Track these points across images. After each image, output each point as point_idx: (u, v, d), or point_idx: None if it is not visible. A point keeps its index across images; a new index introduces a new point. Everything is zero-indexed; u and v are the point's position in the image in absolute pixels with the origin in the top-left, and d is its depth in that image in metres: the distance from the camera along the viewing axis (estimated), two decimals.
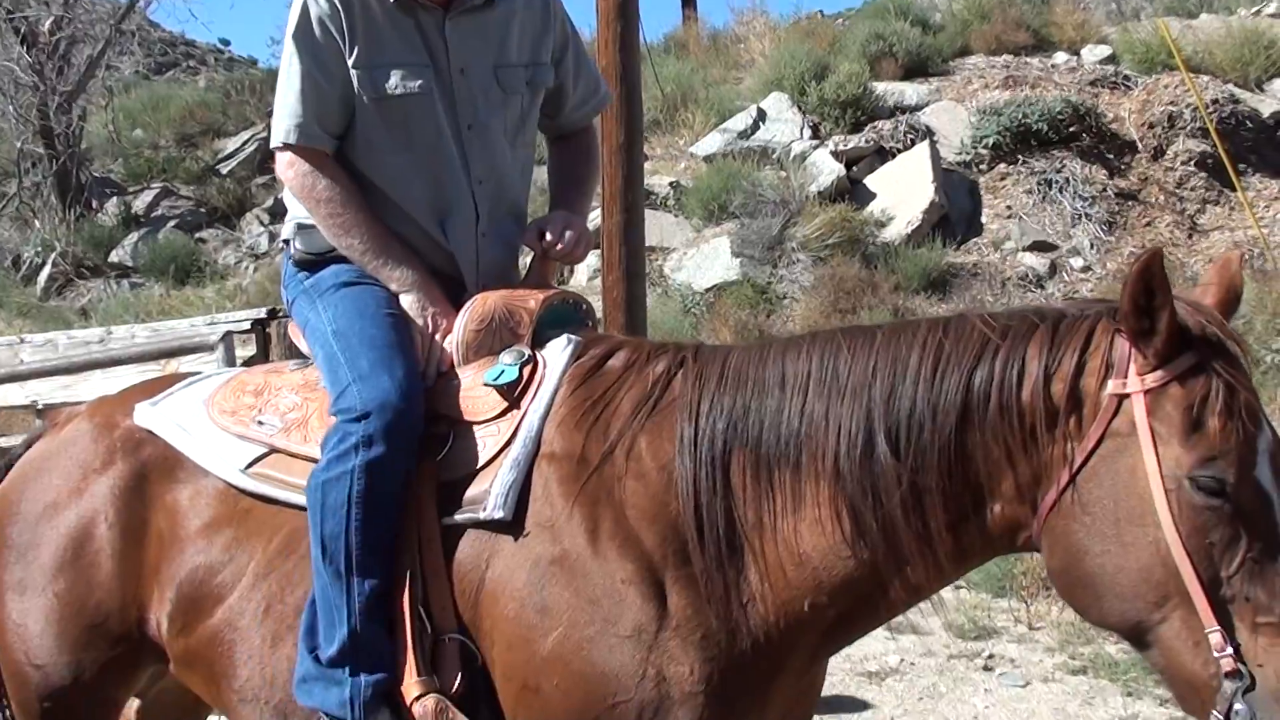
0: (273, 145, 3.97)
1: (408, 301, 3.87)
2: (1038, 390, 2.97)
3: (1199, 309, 2.92)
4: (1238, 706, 2.73)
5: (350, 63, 3.89)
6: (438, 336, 3.82)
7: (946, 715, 7.53)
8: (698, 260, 15.46)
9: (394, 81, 3.91)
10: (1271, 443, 2.84)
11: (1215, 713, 2.77)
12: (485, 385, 3.63)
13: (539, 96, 4.22)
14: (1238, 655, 2.75)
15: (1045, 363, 2.97)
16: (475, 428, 3.60)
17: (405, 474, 3.57)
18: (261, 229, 19.78)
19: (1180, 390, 2.83)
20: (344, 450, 3.54)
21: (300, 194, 3.93)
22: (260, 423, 3.95)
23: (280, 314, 7.10)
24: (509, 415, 3.57)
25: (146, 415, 4.15)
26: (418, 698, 3.42)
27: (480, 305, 3.79)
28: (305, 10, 3.88)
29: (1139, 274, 2.79)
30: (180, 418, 4.10)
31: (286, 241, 4.18)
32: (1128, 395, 2.87)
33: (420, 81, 3.94)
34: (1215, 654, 2.76)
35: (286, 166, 3.94)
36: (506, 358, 3.65)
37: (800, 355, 3.26)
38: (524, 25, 4.14)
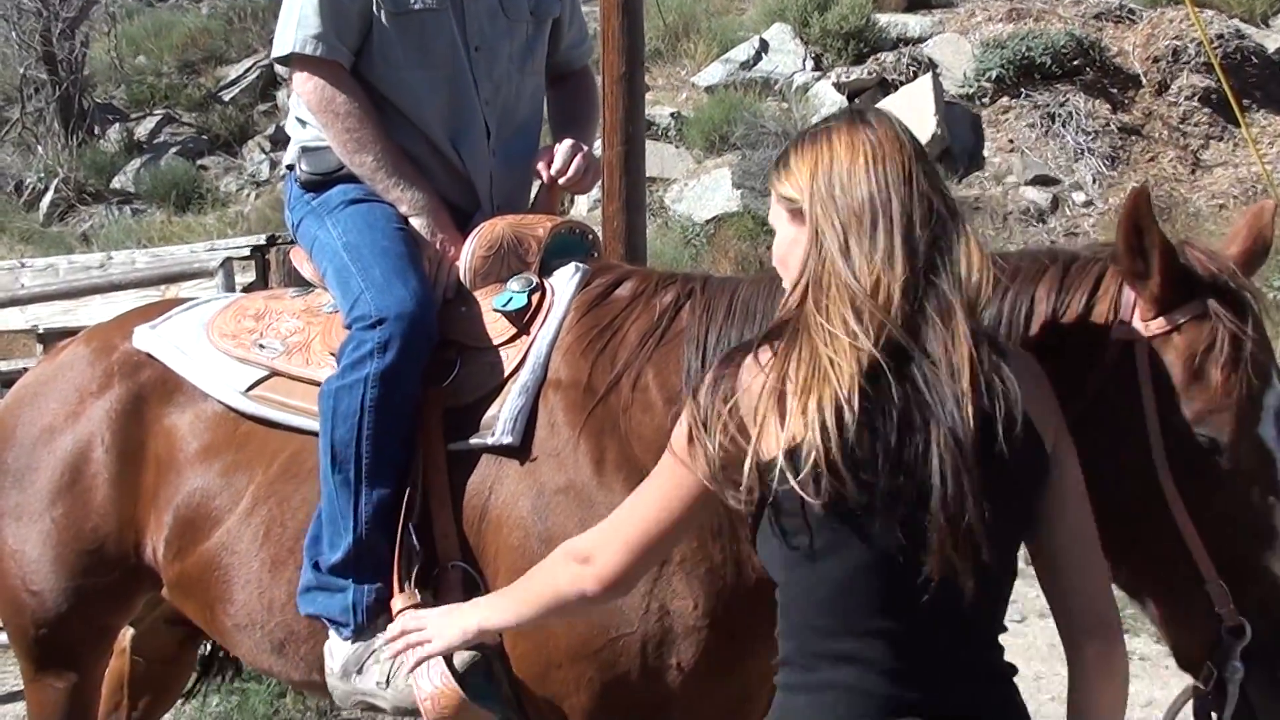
0: (284, 53, 3.98)
1: (417, 224, 3.90)
2: (1046, 331, 2.91)
3: (1212, 256, 2.82)
4: (1235, 663, 2.68)
5: None
6: (445, 260, 3.83)
7: None
8: (698, 191, 15.42)
9: None
10: None
11: (1210, 665, 2.72)
12: (494, 311, 3.65)
13: (545, 26, 4.26)
14: (1239, 610, 2.69)
15: (1054, 304, 2.91)
16: (483, 353, 3.62)
17: (417, 385, 3.60)
18: (263, 156, 19.71)
19: (1182, 339, 2.75)
20: (359, 358, 3.58)
21: (318, 108, 3.95)
22: (261, 346, 3.97)
23: (280, 240, 7.12)
24: (518, 341, 3.59)
25: (145, 338, 4.16)
26: (399, 611, 3.45)
27: (489, 231, 3.81)
28: None
29: (1126, 214, 2.74)
30: (180, 341, 4.11)
31: (290, 167, 4.20)
32: (1131, 342, 2.80)
33: None
34: (1217, 608, 2.70)
35: (305, 80, 3.97)
36: (514, 284, 3.68)
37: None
38: None
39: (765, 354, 2.59)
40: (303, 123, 4.14)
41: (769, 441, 2.49)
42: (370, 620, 3.58)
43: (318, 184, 4.07)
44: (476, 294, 3.76)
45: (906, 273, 2.50)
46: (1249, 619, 2.69)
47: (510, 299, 3.63)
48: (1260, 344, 2.75)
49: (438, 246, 3.86)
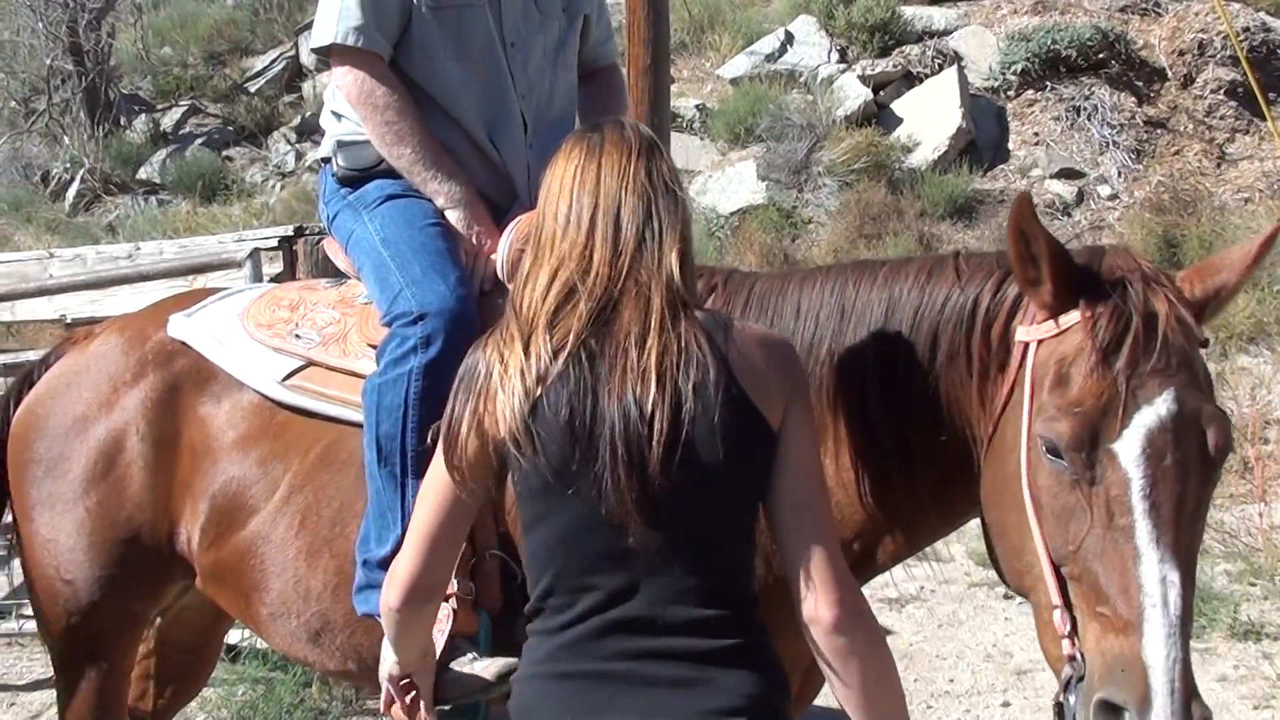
0: (324, 43, 3.98)
1: (454, 217, 3.91)
2: (980, 332, 2.99)
3: (1124, 257, 2.83)
4: (1070, 698, 2.62)
5: None
6: (482, 254, 3.86)
7: (966, 643, 7.61)
8: (723, 183, 15.45)
9: None
10: (1162, 420, 2.63)
11: (1059, 693, 2.66)
12: None
13: (577, 23, 4.28)
14: (1077, 639, 2.64)
15: (988, 305, 2.99)
16: None
17: None
18: (288, 148, 19.75)
19: (1061, 343, 2.77)
20: (402, 354, 3.60)
21: (357, 100, 3.95)
22: (297, 336, 3.99)
23: (308, 231, 7.14)
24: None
25: (180, 326, 4.18)
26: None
27: (524, 224, 3.82)
28: None
29: (1012, 222, 2.77)
30: (215, 330, 4.13)
31: (326, 160, 4.21)
32: (1029, 342, 2.84)
33: None
34: (1060, 634, 2.66)
35: (345, 72, 3.95)
36: None
37: (815, 286, 3.30)
38: None
39: (489, 344, 2.84)
40: (338, 116, 4.14)
41: (491, 422, 2.75)
42: None
43: (354, 179, 4.09)
44: (514, 284, 3.78)
45: (599, 266, 2.74)
46: (1084, 649, 2.63)
47: None
48: (1153, 356, 2.67)
49: (474, 240, 3.88)
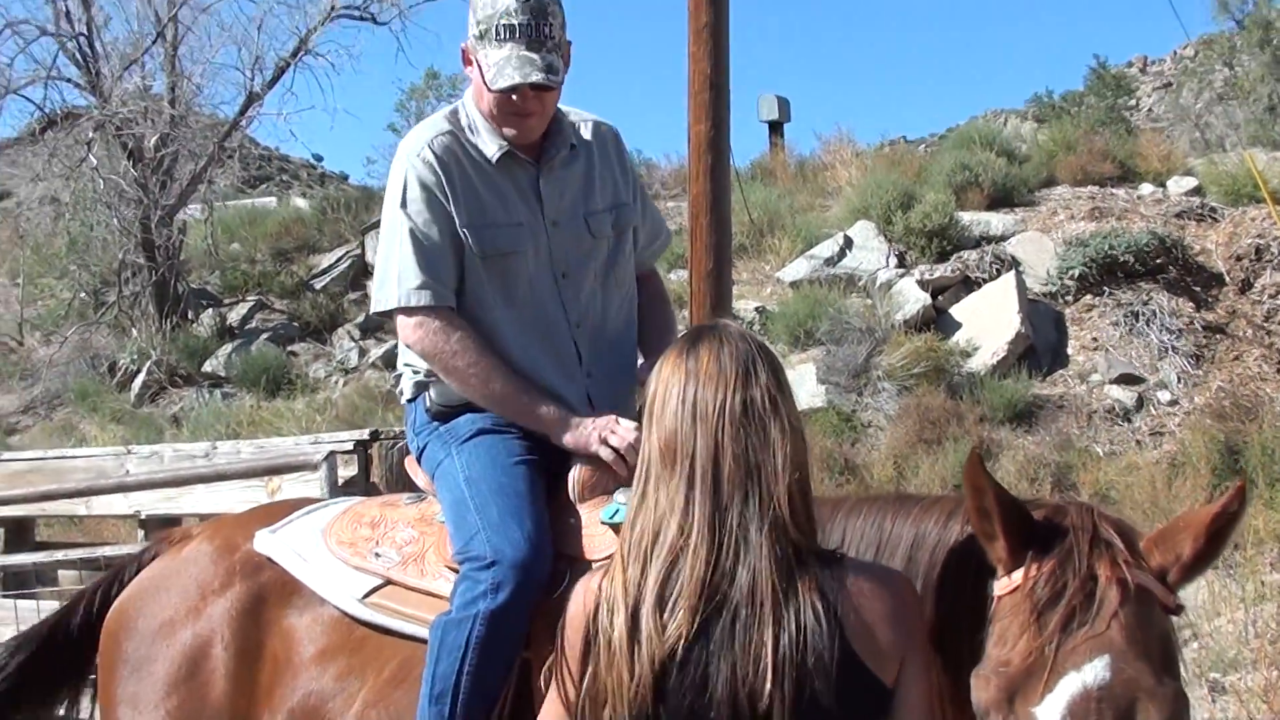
0: (387, 308, 4.04)
1: (569, 439, 3.92)
2: (972, 577, 2.96)
3: (1082, 514, 2.80)
4: None
5: (461, 223, 4.01)
6: (615, 440, 3.84)
7: None
8: None
9: (498, 239, 4.04)
10: (1087, 688, 2.57)
11: None
12: (601, 524, 3.71)
13: (626, 236, 4.33)
14: None
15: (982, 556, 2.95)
16: (591, 565, 3.62)
17: (525, 623, 3.65)
18: (352, 344, 20.04)
19: (1011, 599, 2.74)
20: (471, 597, 3.63)
21: (431, 354, 4.01)
22: (377, 555, 4.04)
23: (383, 435, 7.20)
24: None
25: (266, 542, 4.24)
26: None
27: (588, 472, 3.88)
28: (407, 180, 4.03)
29: (965, 478, 2.77)
30: (298, 546, 4.19)
31: (412, 401, 4.25)
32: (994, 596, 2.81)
33: (520, 238, 4.06)
34: None
35: (414, 329, 4.01)
36: (620, 497, 3.71)
37: (859, 517, 3.28)
38: (603, 169, 4.28)
39: (595, 580, 2.86)
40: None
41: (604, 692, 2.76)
42: None
43: (446, 414, 4.13)
44: (585, 505, 3.83)
45: (703, 529, 2.72)
46: None
47: (617, 510, 3.68)
48: (1088, 621, 2.62)
49: (597, 436, 3.87)
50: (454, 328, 3.98)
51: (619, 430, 3.82)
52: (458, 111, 4.18)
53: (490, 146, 4.07)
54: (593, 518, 3.77)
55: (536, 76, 3.90)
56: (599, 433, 3.85)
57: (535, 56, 3.92)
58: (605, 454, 3.82)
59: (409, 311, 4.00)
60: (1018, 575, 2.74)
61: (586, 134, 4.29)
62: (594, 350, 4.18)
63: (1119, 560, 2.68)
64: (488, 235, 4.03)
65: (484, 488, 3.84)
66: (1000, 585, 2.79)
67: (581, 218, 4.19)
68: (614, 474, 3.82)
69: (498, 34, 3.93)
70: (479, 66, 3.99)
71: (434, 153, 4.03)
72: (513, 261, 4.06)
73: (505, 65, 3.92)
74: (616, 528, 3.61)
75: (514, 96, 3.95)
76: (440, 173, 4.01)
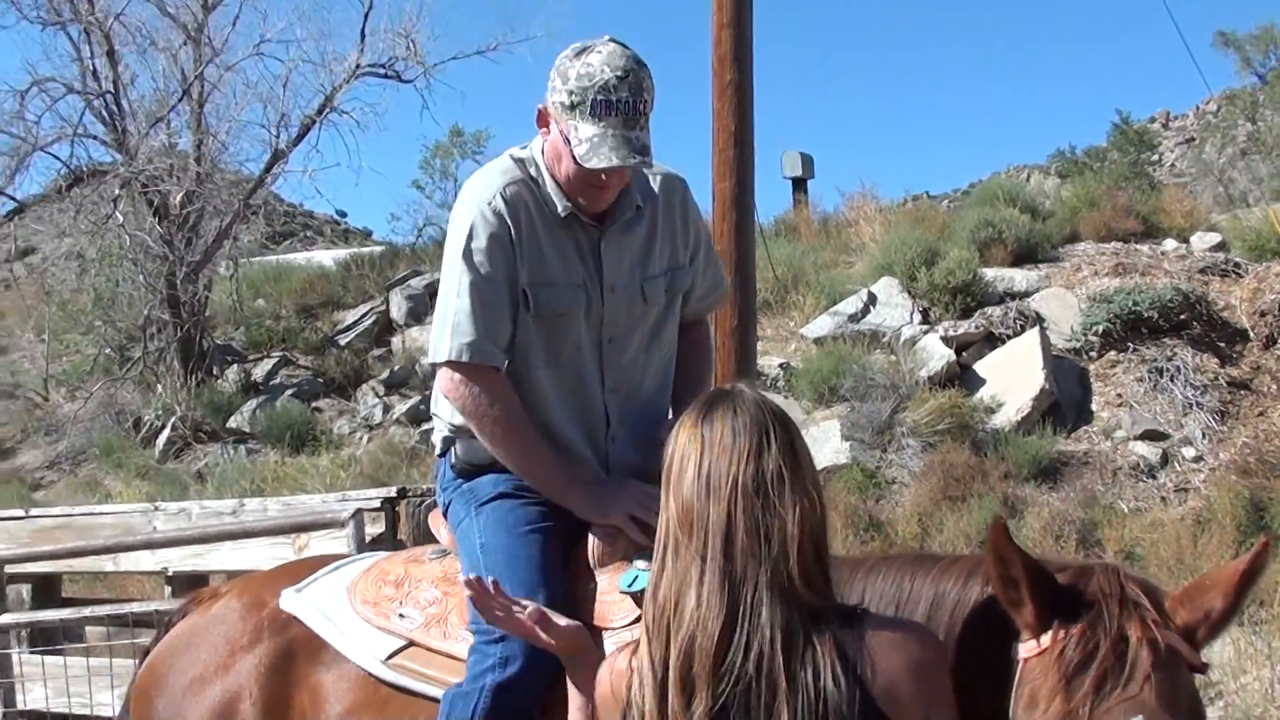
0: (436, 360, 3.96)
1: (595, 518, 3.88)
2: (994, 639, 2.97)
3: (1109, 577, 2.84)
4: None
5: (523, 280, 3.90)
6: (641, 515, 3.77)
7: None
8: (807, 442, 15.43)
9: (555, 300, 3.94)
10: None
11: None
12: (621, 592, 3.68)
13: (677, 300, 4.23)
14: None
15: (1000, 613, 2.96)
16: (608, 634, 3.65)
17: (536, 697, 3.64)
18: (376, 400, 20.09)
19: (1039, 662, 2.77)
20: (480, 670, 3.63)
21: (469, 412, 3.92)
22: (401, 615, 4.04)
23: (410, 493, 7.21)
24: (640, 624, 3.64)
25: (291, 601, 4.26)
26: None
27: (604, 542, 3.86)
28: (474, 229, 3.88)
29: (989, 548, 2.80)
30: (324, 605, 4.20)
31: (443, 453, 4.23)
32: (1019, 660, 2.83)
33: (576, 299, 3.96)
34: None
35: (457, 384, 3.92)
36: (639, 563, 3.65)
37: (879, 577, 3.28)
38: (665, 230, 4.15)
39: (621, 659, 2.91)
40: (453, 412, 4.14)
41: None
42: None
43: (470, 472, 4.10)
44: (604, 572, 3.81)
45: (716, 606, 2.73)
46: None
47: (635, 578, 3.62)
48: (1121, 682, 2.66)
49: (629, 509, 3.82)
50: (497, 393, 3.89)
51: (650, 507, 3.63)
52: (526, 161, 4.02)
53: (558, 204, 3.94)
54: (611, 584, 3.75)
55: (634, 160, 3.77)
56: (626, 510, 3.81)
57: (631, 136, 3.76)
58: (629, 527, 3.79)
59: (455, 366, 3.90)
60: (1046, 638, 2.76)
61: (655, 186, 4.14)
62: (623, 414, 4.12)
63: (1149, 621, 2.70)
64: (546, 295, 3.93)
65: (498, 558, 3.82)
66: (1027, 648, 2.81)
67: (638, 283, 4.07)
68: (633, 540, 3.79)
69: (594, 109, 3.74)
70: (565, 136, 3.81)
71: (505, 202, 3.89)
72: (564, 322, 3.97)
73: (600, 144, 3.74)
74: (634, 595, 3.61)
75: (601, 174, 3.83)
76: (510, 224, 3.88)
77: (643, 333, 4.14)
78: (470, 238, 3.88)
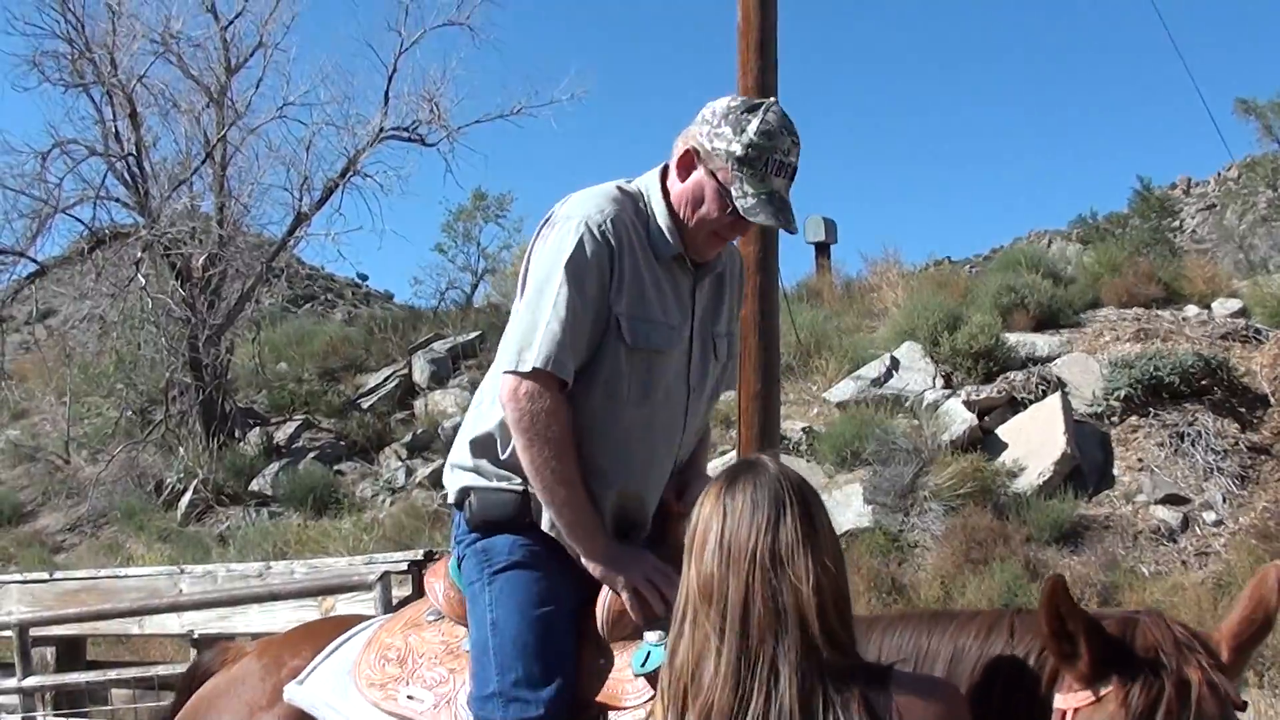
0: (519, 368, 3.75)
1: (597, 573, 3.81)
2: (1025, 692, 3.04)
3: (1158, 624, 2.91)
4: None
5: (617, 308, 3.79)
6: (660, 581, 3.72)
7: None
8: (830, 506, 15.24)
9: (653, 335, 3.84)
10: None
11: None
12: (634, 674, 3.64)
13: (726, 369, 4.20)
14: None
15: (1032, 667, 3.05)
16: (617, 713, 3.65)
17: None
18: (399, 464, 20.12)
19: (1096, 711, 2.84)
20: None
21: (525, 427, 3.75)
22: (409, 696, 4.00)
23: (437, 555, 7.22)
24: (652, 703, 3.60)
25: (295, 694, 4.23)
26: None
27: (616, 602, 3.80)
28: (581, 244, 3.75)
29: (1046, 603, 2.85)
30: (329, 696, 4.17)
31: (458, 504, 4.08)
32: (1065, 710, 2.91)
33: (672, 339, 3.89)
34: None
35: (523, 396, 3.74)
36: (652, 637, 3.60)
37: (896, 634, 3.32)
38: (730, 293, 4.16)
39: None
40: (474, 467, 4.00)
41: None
42: None
43: (484, 527, 3.97)
44: (615, 647, 3.77)
45: (733, 665, 2.78)
46: None
47: (648, 656, 3.57)
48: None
49: (648, 575, 3.77)
50: (559, 417, 3.75)
51: (669, 577, 3.64)
52: (636, 196, 3.95)
53: (670, 242, 3.89)
54: (624, 662, 3.71)
55: (793, 228, 3.87)
56: (644, 575, 3.76)
57: (789, 201, 3.81)
58: (646, 590, 3.73)
59: (535, 375, 3.74)
60: (1103, 688, 2.83)
61: (725, 254, 4.12)
62: (676, 464, 4.11)
63: (1204, 665, 2.79)
64: (643, 329, 3.82)
65: (508, 639, 3.77)
66: (1077, 699, 2.87)
67: (710, 336, 4.06)
68: (644, 609, 3.74)
69: (770, 167, 3.75)
70: (722, 184, 3.80)
71: (614, 227, 3.80)
72: (659, 360, 3.87)
73: (768, 202, 3.75)
74: (649, 676, 3.56)
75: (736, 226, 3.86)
76: (615, 250, 3.78)
77: (709, 388, 4.13)
78: (578, 249, 3.77)
